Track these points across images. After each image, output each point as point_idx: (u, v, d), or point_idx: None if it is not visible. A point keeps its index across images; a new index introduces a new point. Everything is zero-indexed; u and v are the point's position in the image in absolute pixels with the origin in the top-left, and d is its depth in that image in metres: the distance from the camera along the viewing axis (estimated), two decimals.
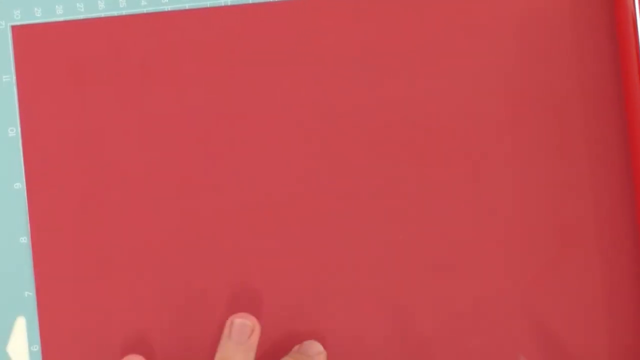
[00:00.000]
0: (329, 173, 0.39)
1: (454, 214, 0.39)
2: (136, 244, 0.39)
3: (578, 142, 0.39)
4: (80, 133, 0.39)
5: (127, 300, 0.39)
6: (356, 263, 0.39)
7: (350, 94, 0.39)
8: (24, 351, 0.39)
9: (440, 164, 0.39)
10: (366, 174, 0.39)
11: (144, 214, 0.39)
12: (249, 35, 0.39)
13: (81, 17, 0.39)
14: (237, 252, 0.39)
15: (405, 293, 0.39)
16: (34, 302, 0.39)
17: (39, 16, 0.39)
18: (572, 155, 0.39)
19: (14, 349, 0.39)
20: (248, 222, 0.39)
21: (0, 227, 0.39)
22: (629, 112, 0.39)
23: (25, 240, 0.39)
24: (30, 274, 0.39)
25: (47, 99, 0.39)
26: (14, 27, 0.39)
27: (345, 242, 0.39)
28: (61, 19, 0.39)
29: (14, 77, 0.39)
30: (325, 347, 0.38)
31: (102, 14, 0.39)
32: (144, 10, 0.39)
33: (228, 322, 0.37)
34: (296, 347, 0.38)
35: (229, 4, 0.39)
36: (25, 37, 0.39)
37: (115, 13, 0.39)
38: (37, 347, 0.39)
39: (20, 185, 0.39)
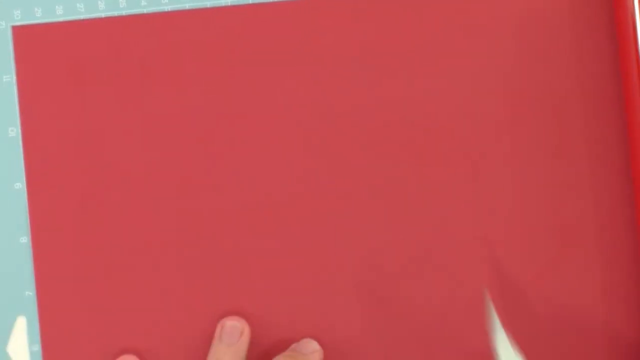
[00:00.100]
0: (329, 173, 0.39)
1: (453, 213, 0.39)
2: (136, 244, 0.39)
3: (578, 142, 0.39)
4: (80, 133, 0.39)
5: (127, 300, 0.39)
6: (355, 263, 0.39)
7: (350, 94, 0.39)
8: (24, 351, 0.39)
9: (440, 164, 0.39)
10: (365, 174, 0.39)
11: (144, 213, 0.39)
12: (249, 36, 0.39)
13: (81, 17, 0.39)
14: (237, 252, 0.39)
15: (404, 293, 0.39)
16: (34, 302, 0.39)
17: (39, 16, 0.39)
18: (572, 155, 0.39)
19: (14, 349, 0.39)
20: (248, 222, 0.39)
21: (0, 227, 0.39)
22: (628, 112, 0.39)
23: (25, 240, 0.39)
24: (31, 273, 0.39)
25: (48, 99, 0.39)
26: (14, 27, 0.39)
27: (345, 242, 0.39)
28: (61, 19, 0.39)
29: (14, 77, 0.39)
30: (321, 346, 0.38)
31: (102, 14, 0.39)
32: (144, 11, 0.39)
33: (219, 325, 0.38)
34: (293, 345, 0.38)
35: (229, 4, 0.39)
36: (26, 37, 0.39)
37: (115, 13, 0.39)
38: (37, 347, 0.39)
39: (20, 185, 0.39)
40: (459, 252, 0.39)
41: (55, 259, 0.39)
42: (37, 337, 0.39)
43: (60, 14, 0.39)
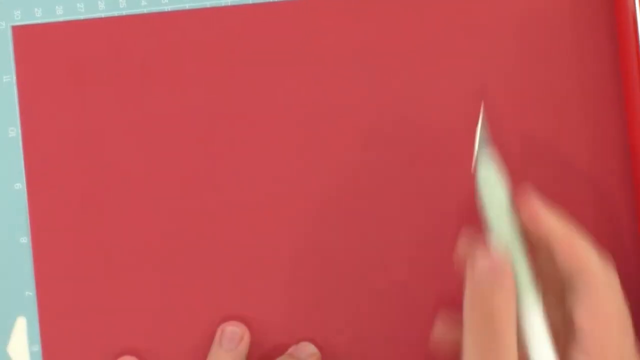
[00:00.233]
0: (329, 173, 0.39)
1: (454, 214, 0.39)
2: (136, 244, 0.39)
3: (578, 142, 0.39)
4: (80, 133, 0.39)
5: (127, 301, 0.39)
6: (355, 264, 0.39)
7: (350, 94, 0.39)
8: (24, 351, 0.39)
9: (441, 163, 0.39)
10: (366, 174, 0.39)
11: (143, 213, 0.39)
12: (249, 36, 0.39)
13: (81, 17, 0.39)
14: (237, 253, 0.39)
15: (404, 296, 0.39)
16: (34, 302, 0.39)
17: (39, 16, 0.39)
18: (572, 155, 0.39)
19: (14, 349, 0.39)
20: (249, 223, 0.39)
21: (0, 227, 0.39)
22: (628, 112, 0.39)
23: (25, 240, 0.39)
24: (31, 274, 0.39)
25: (47, 99, 0.39)
26: (14, 28, 0.39)
27: (345, 243, 0.39)
28: (61, 19, 0.39)
29: (14, 77, 0.39)
30: (319, 349, 0.38)
31: (102, 14, 0.39)
32: (144, 11, 0.39)
33: (219, 330, 0.38)
34: (291, 349, 0.38)
35: (229, 4, 0.39)
36: (26, 37, 0.39)
37: (115, 13, 0.39)
38: (37, 347, 0.39)
39: (20, 185, 0.39)
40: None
41: (55, 259, 0.39)
42: (37, 337, 0.39)
43: (60, 14, 0.39)
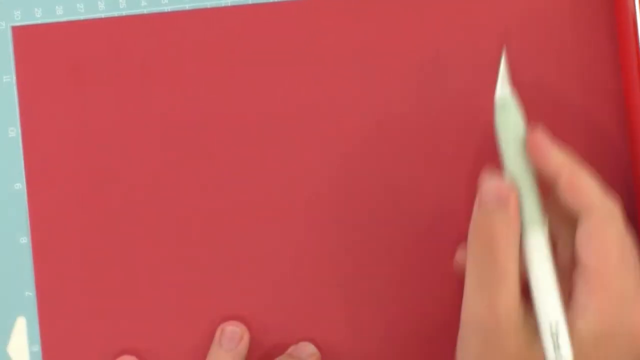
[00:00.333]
0: (329, 173, 0.39)
1: (454, 214, 0.39)
2: (136, 244, 0.39)
3: (578, 142, 0.39)
4: (80, 133, 0.39)
5: (127, 300, 0.39)
6: (355, 264, 0.39)
7: (350, 94, 0.39)
8: (24, 351, 0.39)
9: (441, 163, 0.39)
10: (366, 174, 0.39)
11: (144, 213, 0.39)
12: (249, 36, 0.39)
13: (81, 17, 0.39)
14: (237, 254, 0.39)
15: (403, 296, 0.39)
16: (34, 302, 0.39)
17: (39, 17, 0.39)
18: (572, 155, 0.39)
19: (14, 349, 0.39)
20: (249, 224, 0.39)
21: (0, 227, 0.39)
22: (629, 112, 0.39)
23: (25, 240, 0.39)
24: (30, 274, 0.39)
25: (47, 99, 0.39)
26: (14, 28, 0.39)
27: (345, 243, 0.39)
28: (61, 19, 0.39)
29: (14, 78, 0.39)
30: (319, 349, 0.38)
31: (102, 15, 0.39)
32: (144, 11, 0.39)
33: (219, 330, 0.38)
34: (290, 349, 0.38)
35: (229, 4, 0.39)
36: (26, 37, 0.39)
37: (115, 14, 0.39)
38: (37, 347, 0.39)
39: (20, 185, 0.39)
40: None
41: (55, 259, 0.39)
42: (37, 338, 0.39)
43: (60, 14, 0.39)
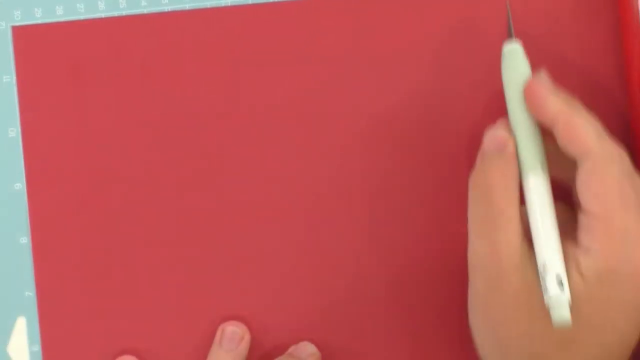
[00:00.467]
0: (330, 173, 0.39)
1: (454, 214, 0.39)
2: (136, 244, 0.39)
3: None
4: (80, 133, 0.39)
5: (127, 300, 0.39)
6: (355, 264, 0.39)
7: (350, 94, 0.39)
8: (24, 351, 0.39)
9: (442, 164, 0.39)
10: (366, 174, 0.39)
11: (144, 214, 0.39)
12: (249, 36, 0.39)
13: (81, 17, 0.39)
14: (237, 254, 0.39)
15: (403, 296, 0.39)
16: (34, 302, 0.39)
17: (39, 17, 0.39)
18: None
19: (14, 349, 0.39)
20: (249, 224, 0.39)
21: (0, 227, 0.39)
22: (630, 112, 0.39)
23: (25, 240, 0.39)
24: (30, 274, 0.39)
25: (47, 99, 0.39)
26: (14, 28, 0.39)
27: (345, 243, 0.39)
28: (61, 19, 0.39)
29: (14, 78, 0.39)
30: (319, 349, 0.38)
31: (102, 15, 0.39)
32: (144, 11, 0.39)
33: (219, 330, 0.38)
34: (291, 349, 0.38)
35: (229, 4, 0.39)
36: (26, 37, 0.39)
37: (115, 13, 0.39)
38: (37, 347, 0.39)
39: (20, 185, 0.39)
40: (460, 254, 0.39)
41: (55, 259, 0.39)
42: (37, 337, 0.39)
43: (60, 14, 0.39)
